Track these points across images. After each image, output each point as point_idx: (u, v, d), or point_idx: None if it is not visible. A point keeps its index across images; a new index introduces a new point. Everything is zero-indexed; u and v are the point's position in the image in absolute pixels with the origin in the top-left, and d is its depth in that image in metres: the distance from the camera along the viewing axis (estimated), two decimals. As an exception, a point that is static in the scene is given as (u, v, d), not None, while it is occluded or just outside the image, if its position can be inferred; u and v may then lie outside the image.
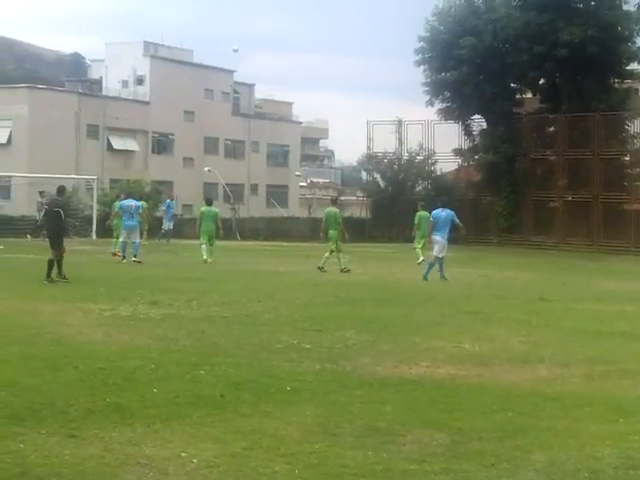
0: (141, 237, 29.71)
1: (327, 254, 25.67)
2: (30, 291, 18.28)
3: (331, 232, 26.11)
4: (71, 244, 39.65)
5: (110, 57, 71.61)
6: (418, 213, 29.66)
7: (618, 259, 35.47)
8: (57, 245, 20.59)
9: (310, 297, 18.29)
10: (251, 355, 11.24)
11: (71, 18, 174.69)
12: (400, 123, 50.05)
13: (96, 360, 10.49)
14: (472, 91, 44.31)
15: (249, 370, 10.22)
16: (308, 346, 12.00)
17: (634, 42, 44.57)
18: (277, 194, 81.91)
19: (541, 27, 42.46)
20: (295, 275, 24.15)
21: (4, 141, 60.76)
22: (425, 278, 23.00)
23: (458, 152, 48.81)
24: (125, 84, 71.67)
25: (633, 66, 45.72)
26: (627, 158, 44.55)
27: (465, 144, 48.43)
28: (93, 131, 65.69)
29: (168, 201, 42.28)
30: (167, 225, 40.82)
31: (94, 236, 43.48)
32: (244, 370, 10.21)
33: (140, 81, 71.81)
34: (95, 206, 47.24)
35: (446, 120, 47.59)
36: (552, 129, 46.10)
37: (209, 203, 29.91)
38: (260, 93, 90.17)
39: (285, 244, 42.73)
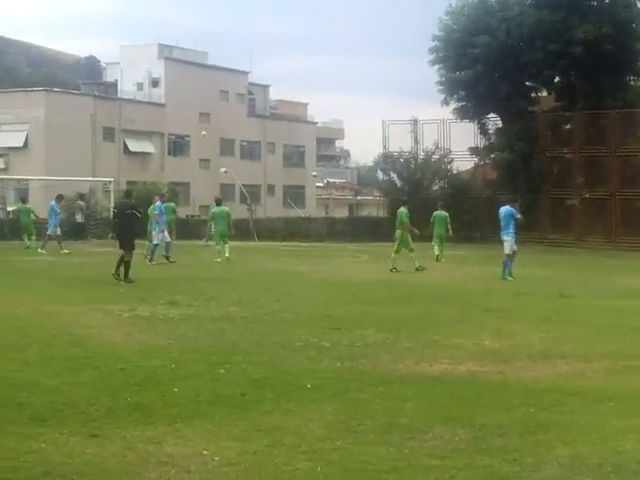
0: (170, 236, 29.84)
1: (393, 254, 25.79)
2: (50, 293, 18.33)
3: (397, 232, 26.37)
4: (89, 246, 40.34)
5: (125, 60, 71.78)
6: (435, 212, 29.62)
7: (637, 256, 35.25)
8: (129, 246, 21.14)
9: (328, 296, 18.31)
10: (271, 353, 11.25)
11: (86, 22, 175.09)
12: (416, 122, 49.86)
13: (116, 360, 10.52)
14: (487, 90, 44.19)
15: (269, 368, 10.22)
16: (327, 344, 11.99)
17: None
18: (294, 195, 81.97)
19: (555, 25, 42.27)
20: (313, 275, 24.18)
21: (21, 144, 61.05)
22: (504, 278, 22.98)
23: (474, 151, 48.64)
24: (140, 87, 71.87)
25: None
26: (644, 155, 44.28)
27: (481, 143, 48.23)
28: (109, 134, 65.95)
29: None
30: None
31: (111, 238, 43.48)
32: (264, 368, 10.20)
33: (155, 83, 72.04)
34: (112, 208, 47.21)
35: (462, 119, 47.40)
36: (568, 127, 45.87)
37: (219, 203, 30.17)
38: (275, 94, 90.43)
39: (302, 244, 42.73)
